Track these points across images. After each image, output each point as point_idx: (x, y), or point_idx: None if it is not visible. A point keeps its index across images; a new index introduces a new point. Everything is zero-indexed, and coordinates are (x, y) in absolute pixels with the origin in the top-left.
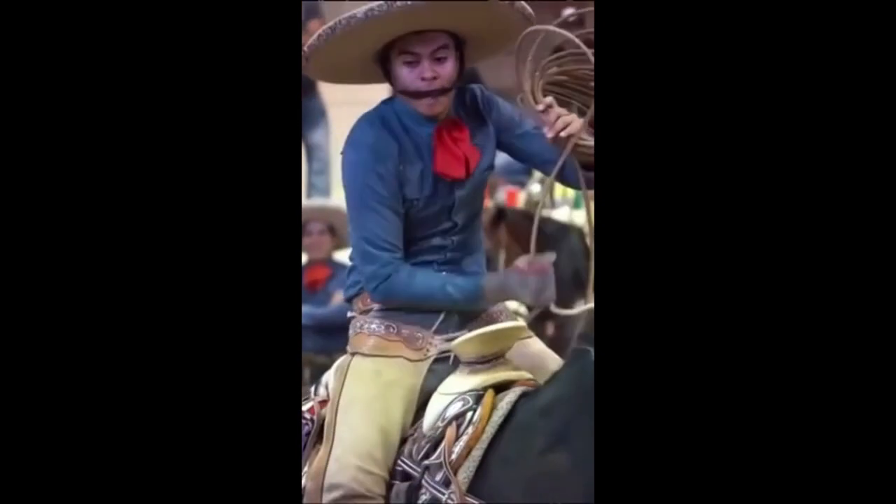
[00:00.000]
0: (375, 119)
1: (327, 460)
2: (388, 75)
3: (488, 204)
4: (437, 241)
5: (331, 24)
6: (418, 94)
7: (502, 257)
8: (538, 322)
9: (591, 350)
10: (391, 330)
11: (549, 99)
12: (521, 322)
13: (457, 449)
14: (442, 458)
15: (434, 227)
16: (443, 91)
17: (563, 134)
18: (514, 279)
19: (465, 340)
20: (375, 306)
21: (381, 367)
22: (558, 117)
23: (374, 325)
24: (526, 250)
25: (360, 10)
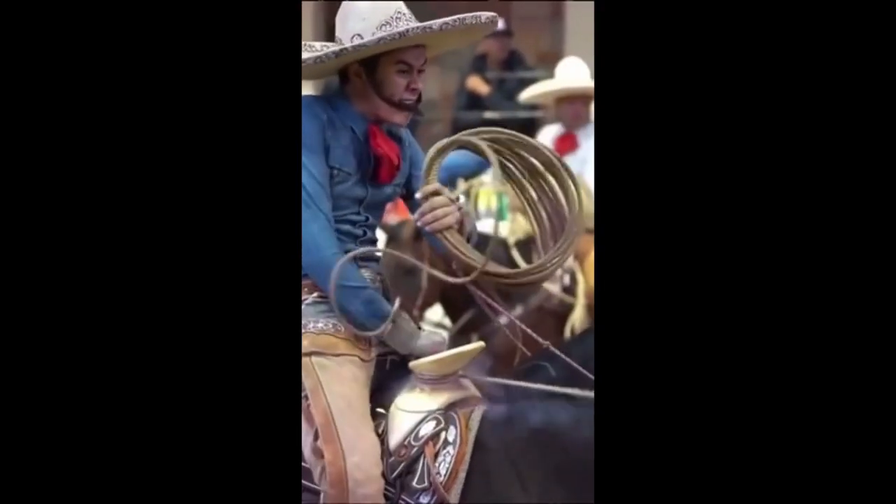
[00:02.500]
0: (313, 96)
1: (345, 467)
2: (369, 78)
3: (410, 217)
4: (347, 227)
5: (337, 48)
6: (402, 106)
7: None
8: (462, 334)
9: (548, 365)
10: (338, 329)
11: (435, 186)
12: (481, 343)
13: (442, 470)
14: (429, 482)
15: (347, 208)
16: (419, 104)
17: (427, 229)
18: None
19: (429, 362)
20: (310, 297)
21: (348, 365)
22: (432, 209)
23: (320, 324)
24: (449, 264)
25: (373, 37)
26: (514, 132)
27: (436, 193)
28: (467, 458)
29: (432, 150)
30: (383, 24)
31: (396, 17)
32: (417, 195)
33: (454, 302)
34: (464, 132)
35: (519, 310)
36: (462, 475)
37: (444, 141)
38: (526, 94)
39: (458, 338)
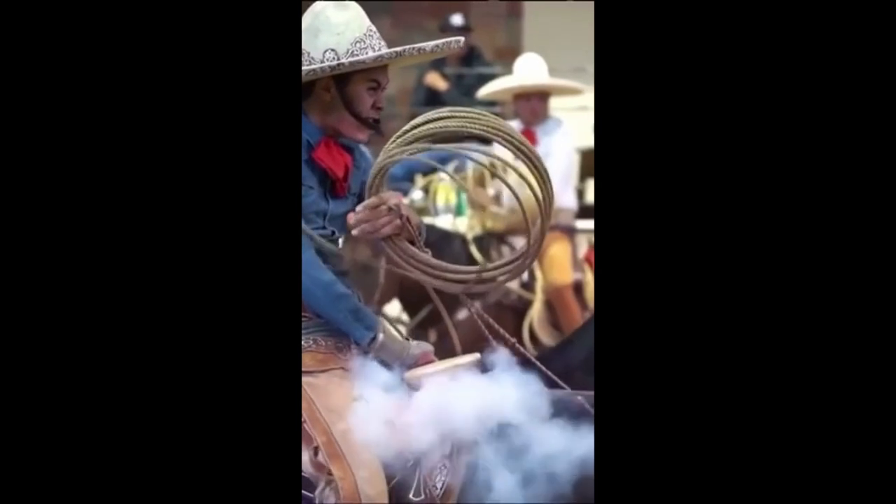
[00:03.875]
0: None
1: (356, 482)
2: (339, 94)
3: None
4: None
5: (333, 63)
6: (367, 123)
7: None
8: (420, 329)
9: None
10: (319, 344)
11: (377, 198)
12: (476, 355)
13: (438, 484)
14: (426, 495)
15: (313, 222)
16: (378, 122)
17: (369, 237)
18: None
19: (431, 373)
20: None
21: (335, 379)
22: (369, 219)
23: (300, 342)
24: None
25: (370, 55)
26: (464, 113)
27: (378, 203)
28: (463, 470)
29: (378, 162)
30: (357, 41)
31: (369, 35)
32: (358, 207)
33: (412, 297)
34: (401, 142)
35: (476, 305)
36: (457, 489)
37: (388, 156)
38: (484, 91)
39: (416, 333)
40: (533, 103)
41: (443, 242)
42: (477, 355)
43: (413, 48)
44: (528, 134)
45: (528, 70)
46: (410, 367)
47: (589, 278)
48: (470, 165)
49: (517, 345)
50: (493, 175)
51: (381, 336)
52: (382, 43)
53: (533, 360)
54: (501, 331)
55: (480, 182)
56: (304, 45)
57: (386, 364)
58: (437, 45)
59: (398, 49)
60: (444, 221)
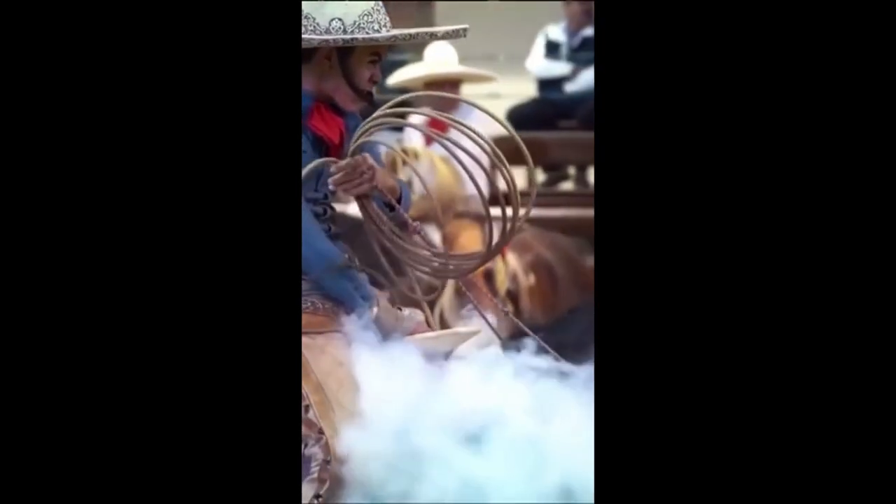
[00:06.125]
0: None
1: (345, 441)
2: (341, 64)
3: None
4: (309, 206)
5: (347, 36)
6: (362, 95)
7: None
8: None
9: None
10: (317, 306)
11: (354, 160)
12: (478, 328)
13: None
14: None
15: (310, 189)
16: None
17: (347, 193)
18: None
19: (428, 338)
20: None
21: (332, 342)
22: (344, 178)
23: None
24: None
25: (382, 34)
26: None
27: (358, 164)
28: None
29: (362, 127)
30: (365, 14)
31: (376, 9)
32: (333, 166)
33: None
34: (385, 111)
35: (386, 295)
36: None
37: (374, 121)
38: (394, 79)
39: None
40: (444, 91)
41: (353, 232)
42: (478, 328)
43: (425, 32)
44: (440, 123)
45: (439, 58)
46: (406, 336)
47: (500, 266)
48: (383, 151)
49: (511, 315)
50: (404, 162)
51: (374, 309)
52: (387, 18)
53: (527, 330)
54: (495, 300)
55: (391, 169)
56: (309, 10)
57: (382, 331)
58: (447, 32)
59: (411, 31)
60: (355, 209)
